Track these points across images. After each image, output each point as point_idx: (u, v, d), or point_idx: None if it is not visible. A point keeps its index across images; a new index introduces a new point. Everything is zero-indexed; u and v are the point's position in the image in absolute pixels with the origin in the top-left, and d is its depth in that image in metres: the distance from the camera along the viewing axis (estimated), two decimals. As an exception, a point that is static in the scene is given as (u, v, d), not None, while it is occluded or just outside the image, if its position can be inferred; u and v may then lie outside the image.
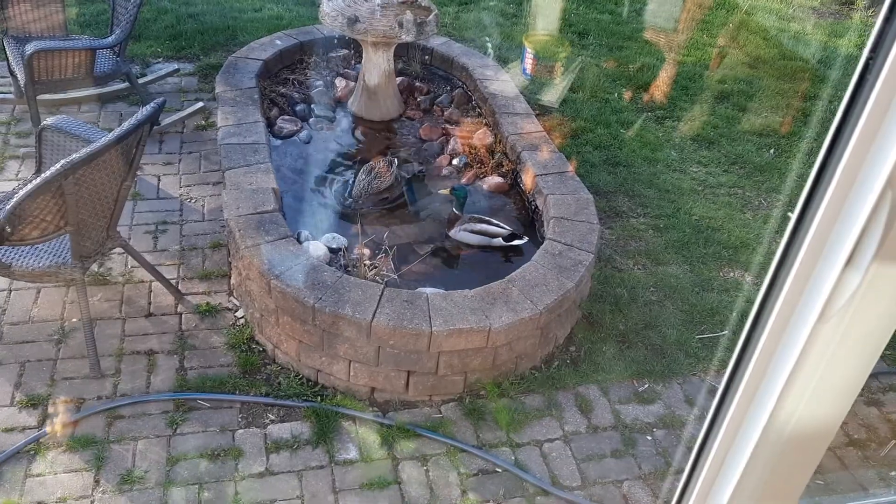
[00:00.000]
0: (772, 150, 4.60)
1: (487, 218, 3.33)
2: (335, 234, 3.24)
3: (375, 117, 4.10)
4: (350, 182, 3.58)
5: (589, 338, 3.17)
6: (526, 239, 3.30)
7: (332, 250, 3.14)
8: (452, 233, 3.32)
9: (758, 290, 0.81)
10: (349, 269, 3.05)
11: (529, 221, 3.52)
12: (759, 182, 4.31)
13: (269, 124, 3.90)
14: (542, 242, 3.13)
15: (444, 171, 3.78)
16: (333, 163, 3.84)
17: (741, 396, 0.74)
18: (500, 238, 3.26)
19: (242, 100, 3.81)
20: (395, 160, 3.64)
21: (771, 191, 4.25)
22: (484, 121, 4.08)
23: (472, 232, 3.29)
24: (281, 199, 3.23)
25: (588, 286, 3.24)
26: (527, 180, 3.57)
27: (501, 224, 3.30)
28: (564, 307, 2.94)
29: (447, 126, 4.08)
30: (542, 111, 4.53)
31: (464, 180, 3.70)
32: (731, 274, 3.63)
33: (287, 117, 4.00)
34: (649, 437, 2.83)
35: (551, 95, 4.72)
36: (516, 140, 3.71)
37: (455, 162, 3.82)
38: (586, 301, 3.27)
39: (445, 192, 3.43)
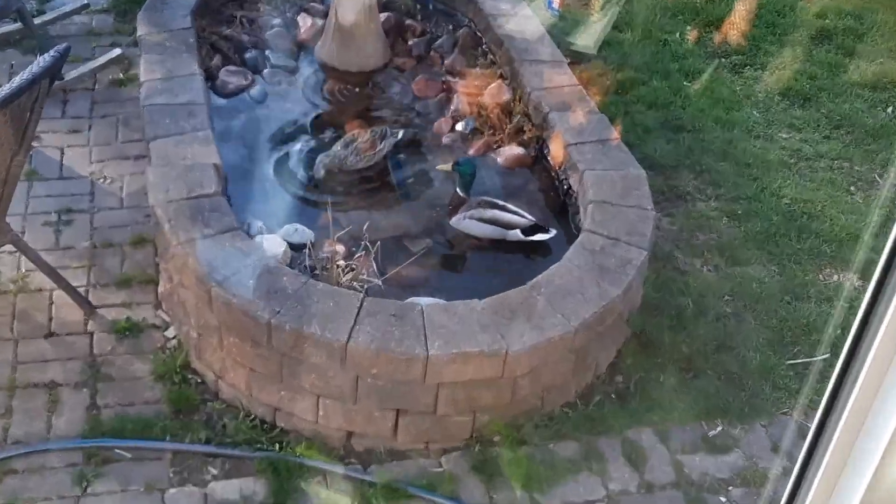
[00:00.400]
0: (890, 109, 4.58)
1: (502, 203, 3.33)
2: (298, 226, 3.25)
3: (352, 67, 4.10)
4: (318, 155, 3.57)
5: (641, 364, 3.17)
6: (554, 232, 3.30)
7: (293, 247, 3.15)
8: (455, 222, 3.32)
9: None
10: (317, 272, 3.06)
11: (560, 207, 3.52)
12: (873, 152, 4.30)
13: (210, 77, 3.91)
14: (578, 235, 3.13)
15: (445, 140, 3.78)
16: (296, 129, 3.84)
17: (833, 453, 0.73)
18: (519, 230, 3.26)
19: (174, 45, 3.81)
20: (386, 131, 3.63)
21: (888, 164, 4.24)
22: (498, 71, 4.08)
23: (482, 221, 3.29)
24: (225, 179, 3.24)
25: (640, 294, 3.25)
26: (556, 151, 3.57)
27: (521, 211, 3.30)
28: (608, 323, 2.94)
29: (449, 79, 4.08)
30: (576, 58, 4.52)
31: (471, 152, 3.70)
32: (835, 277, 3.62)
33: (233, 68, 4.01)
34: (723, 499, 2.84)
35: (588, 37, 4.71)
36: (542, 97, 3.71)
37: (459, 127, 3.82)
38: (637, 314, 3.27)
39: (446, 168, 3.43)
